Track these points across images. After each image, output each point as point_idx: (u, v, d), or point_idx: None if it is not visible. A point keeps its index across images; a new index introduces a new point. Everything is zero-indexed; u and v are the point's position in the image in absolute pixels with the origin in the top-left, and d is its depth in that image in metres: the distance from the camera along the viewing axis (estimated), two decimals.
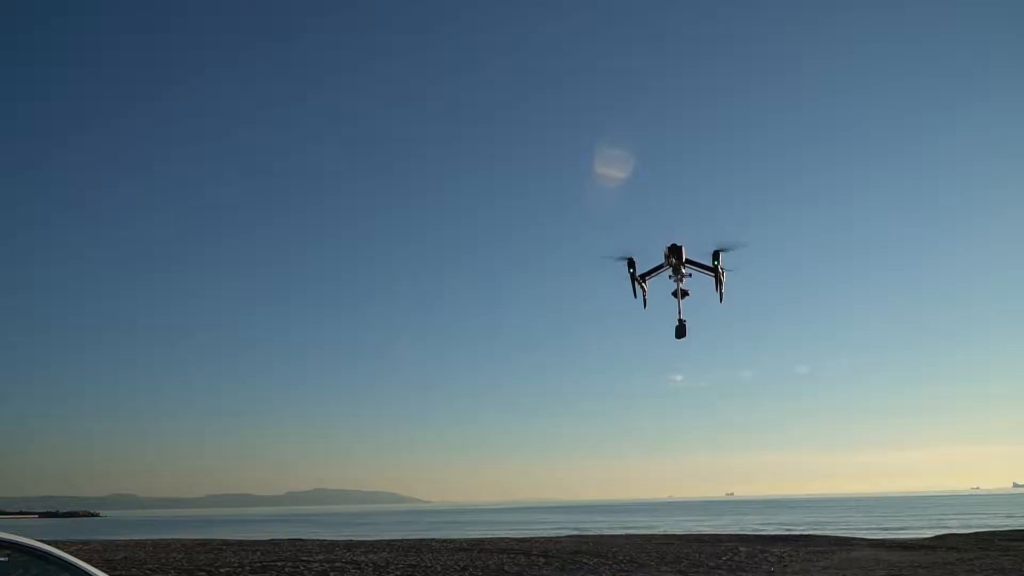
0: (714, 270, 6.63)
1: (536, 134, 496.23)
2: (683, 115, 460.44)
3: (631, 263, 6.32)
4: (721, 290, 6.27)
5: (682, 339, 8.69)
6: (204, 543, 31.96)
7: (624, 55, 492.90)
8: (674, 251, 5.31)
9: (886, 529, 47.47)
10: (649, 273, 6.66)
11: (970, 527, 41.48)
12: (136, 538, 40.76)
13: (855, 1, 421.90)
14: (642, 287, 6.84)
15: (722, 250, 5.75)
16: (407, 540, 32.63)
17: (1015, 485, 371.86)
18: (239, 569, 18.96)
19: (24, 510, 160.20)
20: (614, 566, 19.59)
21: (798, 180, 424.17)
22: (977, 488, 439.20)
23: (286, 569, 18.86)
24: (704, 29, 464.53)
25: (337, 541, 32.77)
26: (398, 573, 18.21)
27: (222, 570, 18.66)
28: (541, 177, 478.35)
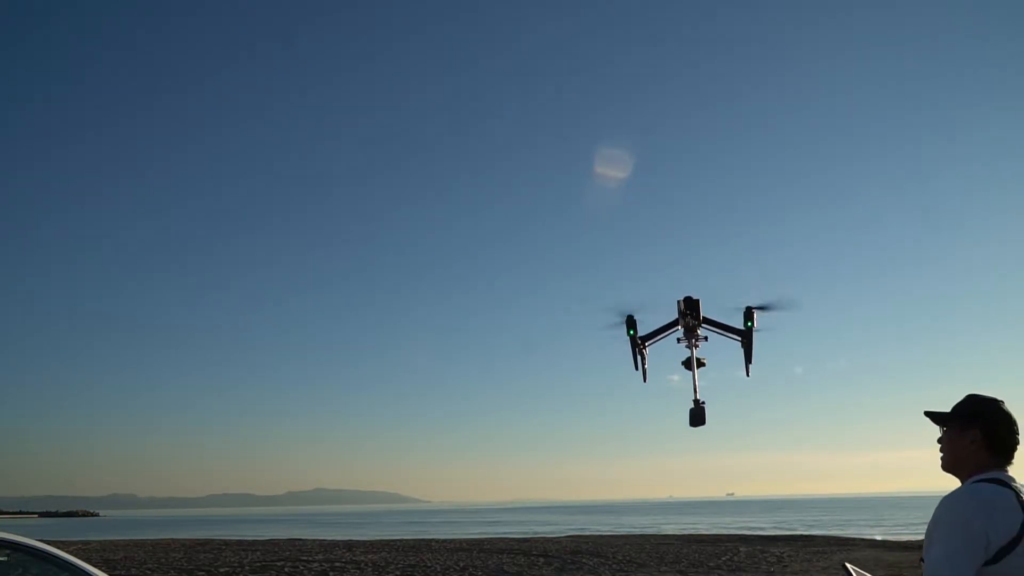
0: (746, 335, 5.69)
1: (536, 134, 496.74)
2: (682, 116, 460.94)
3: (631, 323, 5.57)
4: (750, 356, 4.75)
5: (699, 427, 7.36)
6: (204, 543, 31.97)
7: (624, 55, 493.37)
8: (690, 306, 3.95)
9: (886, 529, 47.45)
10: (655, 334, 5.73)
11: None
12: (136, 538, 40.76)
13: (855, 2, 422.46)
14: (642, 354, 5.91)
15: (759, 308, 4.24)
16: (407, 540, 32.62)
17: None
18: (239, 569, 18.96)
19: (24, 510, 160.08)
20: (614, 566, 19.58)
21: (796, 180, 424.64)
22: None
23: (286, 569, 18.86)
24: (704, 29, 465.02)
25: (337, 541, 32.76)
26: (398, 573, 18.21)
27: (222, 570, 18.66)
28: (541, 177, 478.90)
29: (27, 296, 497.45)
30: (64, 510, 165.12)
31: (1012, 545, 2.27)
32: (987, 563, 2.29)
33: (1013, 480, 2.43)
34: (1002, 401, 2.56)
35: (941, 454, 2.62)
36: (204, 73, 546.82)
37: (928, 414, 2.69)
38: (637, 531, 45.82)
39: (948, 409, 2.65)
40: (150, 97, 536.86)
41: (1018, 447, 2.51)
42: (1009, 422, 2.51)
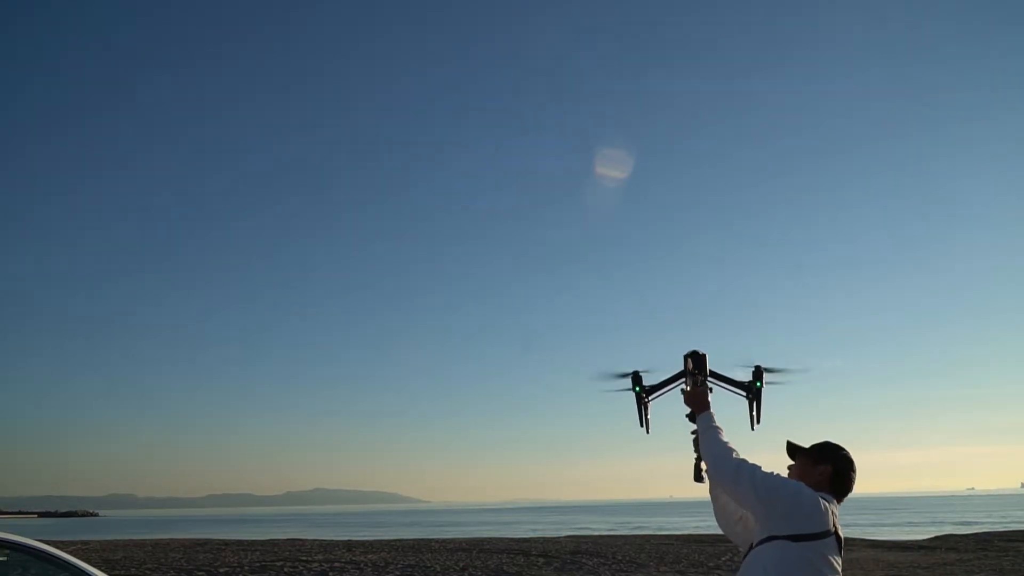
0: (754, 393, 4.61)
1: (536, 133, 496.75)
2: (681, 115, 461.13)
3: (636, 379, 4.38)
4: (757, 413, 4.46)
5: (701, 483, 5.81)
6: (203, 543, 31.95)
7: (624, 53, 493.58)
8: (696, 361, 3.71)
9: (885, 529, 47.47)
10: (659, 387, 4.66)
11: (969, 528, 41.50)
12: (135, 538, 40.75)
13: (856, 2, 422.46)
14: (645, 405, 4.79)
15: (767, 370, 4.02)
16: (407, 540, 32.61)
17: (1023, 485, 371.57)
18: (238, 569, 18.96)
19: (23, 510, 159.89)
20: (613, 566, 19.58)
21: (793, 179, 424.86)
22: (972, 489, 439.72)
23: (285, 569, 18.85)
24: (705, 28, 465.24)
25: (336, 541, 32.75)
26: (397, 573, 18.21)
27: (221, 570, 18.65)
28: (540, 177, 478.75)
29: (26, 295, 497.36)
30: (64, 510, 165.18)
31: (812, 538, 2.84)
32: (790, 538, 2.85)
33: (835, 506, 3.00)
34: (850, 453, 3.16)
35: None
36: (189, 65, 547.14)
37: (789, 444, 3.26)
38: (637, 531, 45.83)
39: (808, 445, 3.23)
40: (131, 92, 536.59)
41: (850, 492, 3.11)
42: (853, 468, 3.12)
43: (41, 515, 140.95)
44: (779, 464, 3.19)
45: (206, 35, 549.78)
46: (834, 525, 2.92)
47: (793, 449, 3.26)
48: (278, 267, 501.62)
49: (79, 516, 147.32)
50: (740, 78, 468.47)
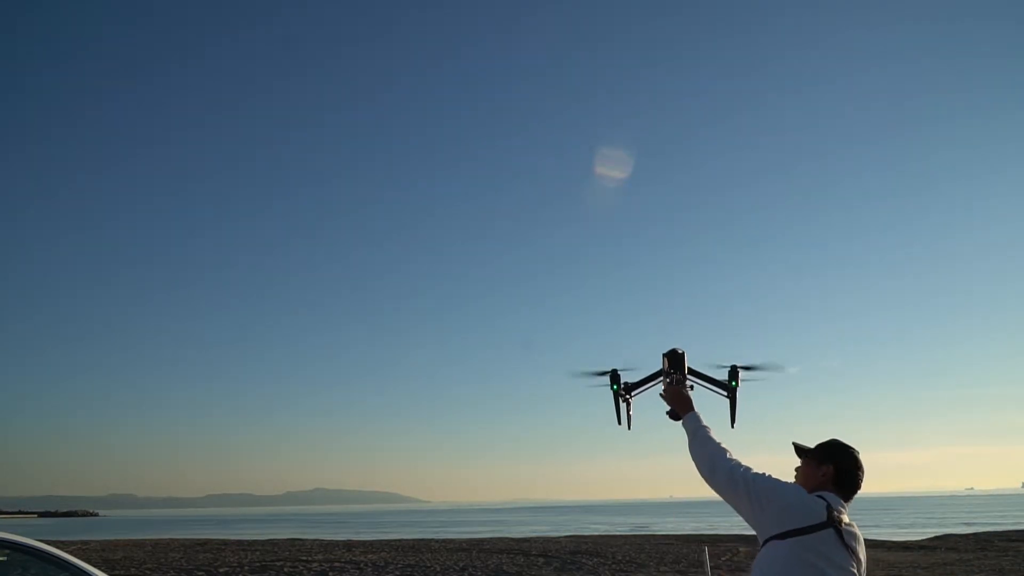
0: (731, 391, 4.45)
1: (537, 132, 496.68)
2: (681, 115, 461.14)
3: (614, 377, 4.29)
4: (734, 412, 4.34)
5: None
6: (203, 543, 31.95)
7: (624, 53, 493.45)
8: (674, 360, 3.57)
9: (885, 529, 47.46)
10: (638, 385, 4.50)
11: (970, 528, 41.49)
12: (135, 538, 40.74)
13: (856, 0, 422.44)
14: (627, 401, 4.59)
15: (744, 368, 3.90)
16: (406, 540, 32.61)
17: (1023, 485, 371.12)
18: (238, 569, 18.96)
19: (23, 510, 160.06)
20: (613, 566, 19.58)
21: (793, 179, 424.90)
22: (972, 489, 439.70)
23: (285, 569, 18.86)
24: (705, 28, 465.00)
25: (336, 541, 32.76)
26: (397, 573, 18.21)
27: (221, 570, 18.66)
28: (540, 177, 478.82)
29: (26, 295, 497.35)
30: (63, 510, 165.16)
31: (800, 532, 2.80)
32: (776, 537, 2.82)
33: (839, 503, 2.94)
34: (857, 451, 3.10)
35: (794, 479, 3.14)
36: (189, 65, 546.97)
37: (794, 445, 3.23)
38: (637, 531, 45.83)
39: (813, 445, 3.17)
40: (120, 92, 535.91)
41: (858, 491, 3.05)
42: (858, 466, 3.07)
43: (41, 515, 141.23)
44: (768, 463, 3.15)
45: (206, 35, 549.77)
46: (832, 519, 2.87)
47: (800, 450, 3.24)
48: (277, 267, 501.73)
49: (79, 516, 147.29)
50: (740, 78, 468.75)
